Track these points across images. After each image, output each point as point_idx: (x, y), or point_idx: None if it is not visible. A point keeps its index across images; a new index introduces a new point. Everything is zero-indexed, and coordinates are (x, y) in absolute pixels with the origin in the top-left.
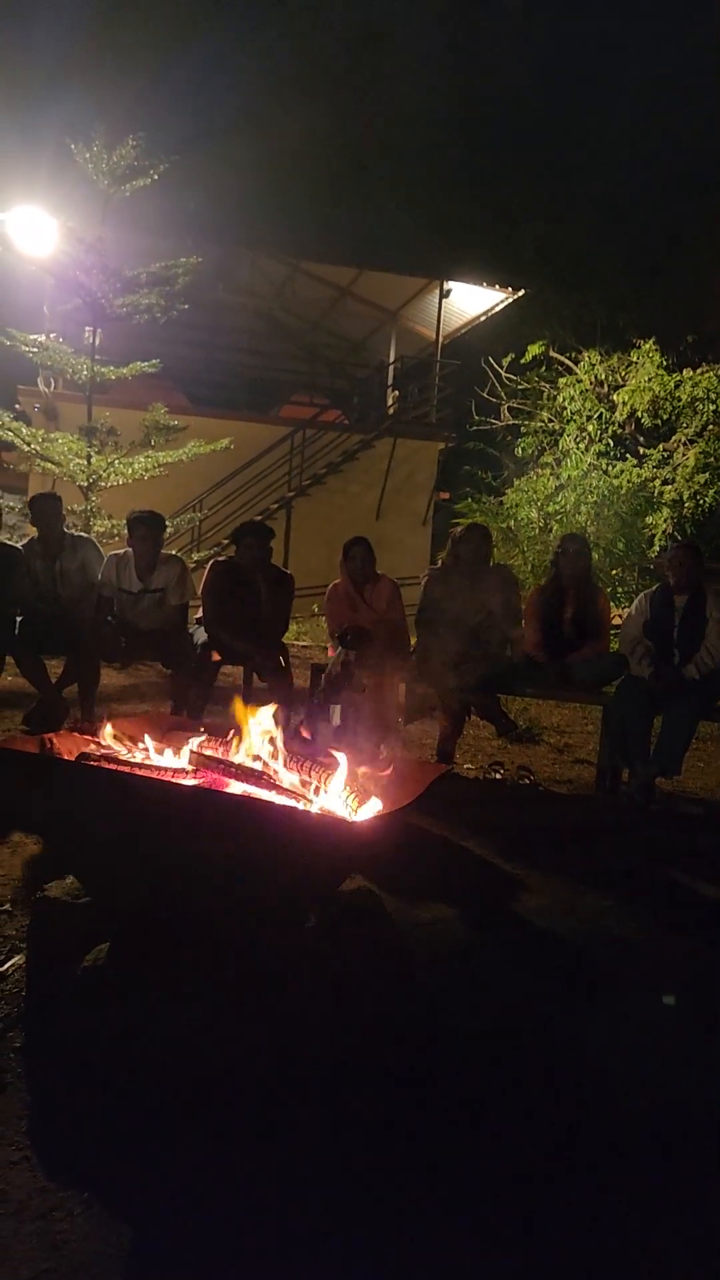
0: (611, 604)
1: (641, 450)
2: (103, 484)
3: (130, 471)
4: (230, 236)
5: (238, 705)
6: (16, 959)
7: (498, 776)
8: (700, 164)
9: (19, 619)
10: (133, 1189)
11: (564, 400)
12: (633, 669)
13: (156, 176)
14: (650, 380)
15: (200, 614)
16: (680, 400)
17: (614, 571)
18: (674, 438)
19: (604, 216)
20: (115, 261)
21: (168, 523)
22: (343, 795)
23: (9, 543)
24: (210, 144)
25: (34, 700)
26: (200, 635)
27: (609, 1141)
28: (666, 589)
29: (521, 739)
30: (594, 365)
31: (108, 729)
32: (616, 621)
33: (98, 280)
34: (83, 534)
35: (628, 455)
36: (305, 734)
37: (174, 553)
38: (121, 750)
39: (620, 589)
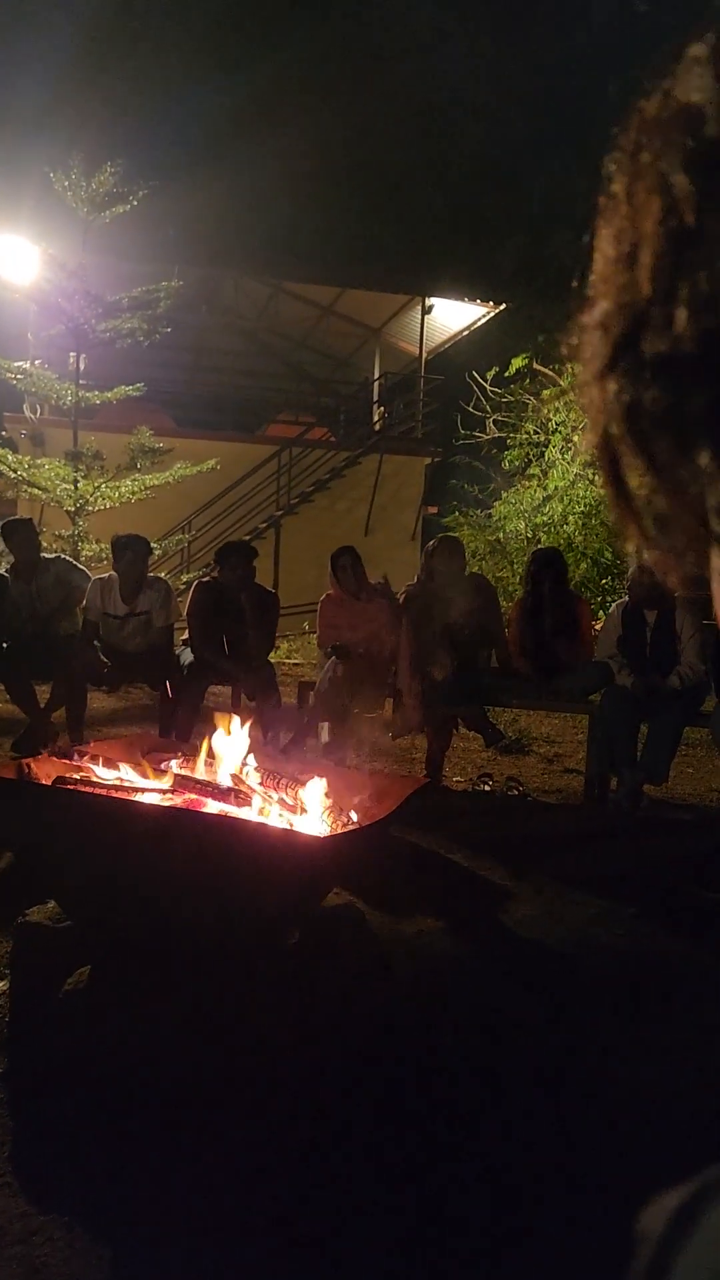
0: (602, 613)
1: None
2: (90, 508)
3: (117, 495)
4: (211, 259)
5: (220, 724)
6: (0, 984)
7: (486, 788)
8: None
9: (4, 645)
10: (114, 1213)
11: (549, 412)
12: (617, 678)
13: (135, 202)
14: None
15: (186, 635)
16: None
17: (603, 581)
18: None
19: (584, 228)
20: (97, 287)
21: (156, 545)
22: (320, 811)
23: None
24: (189, 169)
25: (23, 726)
26: (187, 656)
27: (603, 1158)
28: (633, 605)
29: (511, 750)
30: (577, 376)
31: (87, 753)
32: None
33: (80, 306)
34: (58, 555)
35: None
36: (288, 751)
37: (160, 575)
38: (99, 773)
39: (610, 598)
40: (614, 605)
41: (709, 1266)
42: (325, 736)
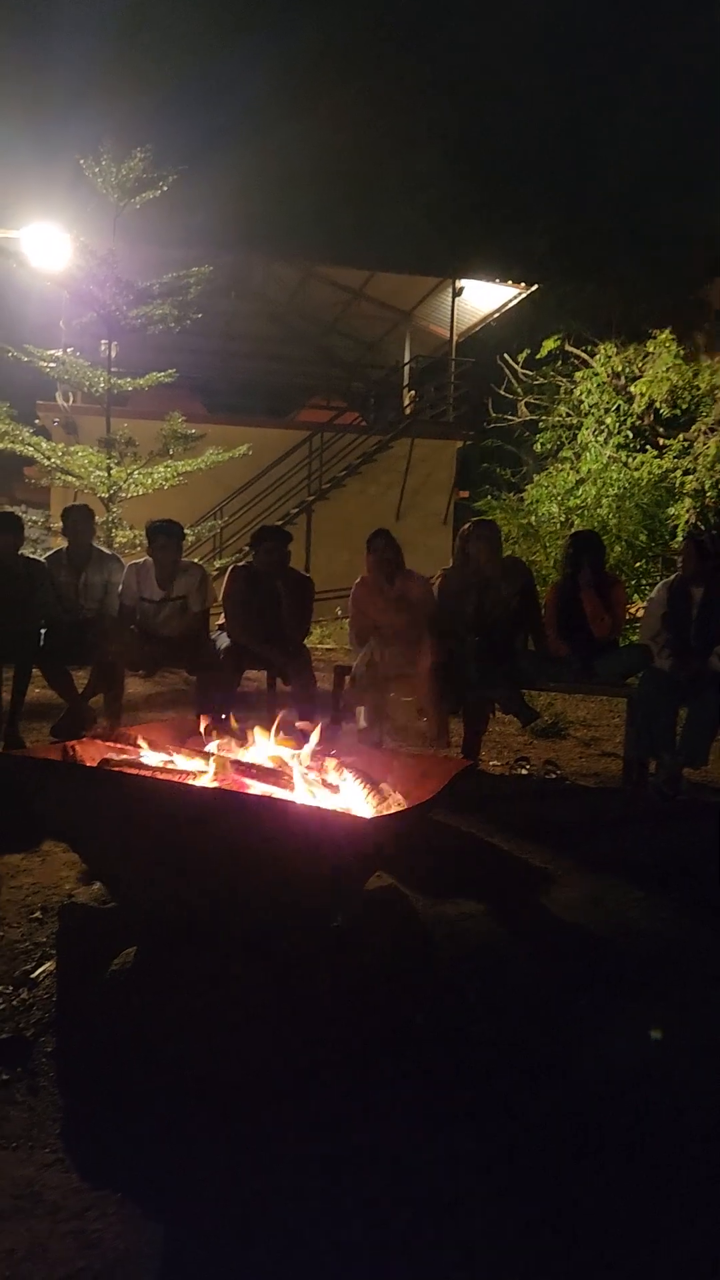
0: (637, 596)
1: (661, 441)
2: (123, 495)
3: (150, 482)
4: (242, 244)
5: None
6: (47, 965)
7: (524, 772)
8: (713, 151)
9: (43, 631)
10: (166, 1189)
11: (581, 394)
12: (656, 660)
13: (165, 188)
14: (668, 370)
15: (222, 620)
16: (699, 389)
17: (638, 564)
18: (694, 427)
19: (616, 208)
20: (128, 274)
21: (189, 531)
22: (364, 793)
23: (33, 557)
24: (219, 153)
25: (61, 711)
26: (223, 641)
27: (639, 1140)
28: (683, 580)
29: (547, 733)
30: (610, 357)
31: (129, 735)
32: (640, 613)
33: (111, 293)
34: (111, 551)
35: (647, 446)
36: (326, 735)
37: (194, 560)
38: (143, 755)
39: (644, 581)
40: (659, 583)
41: None
42: (362, 721)
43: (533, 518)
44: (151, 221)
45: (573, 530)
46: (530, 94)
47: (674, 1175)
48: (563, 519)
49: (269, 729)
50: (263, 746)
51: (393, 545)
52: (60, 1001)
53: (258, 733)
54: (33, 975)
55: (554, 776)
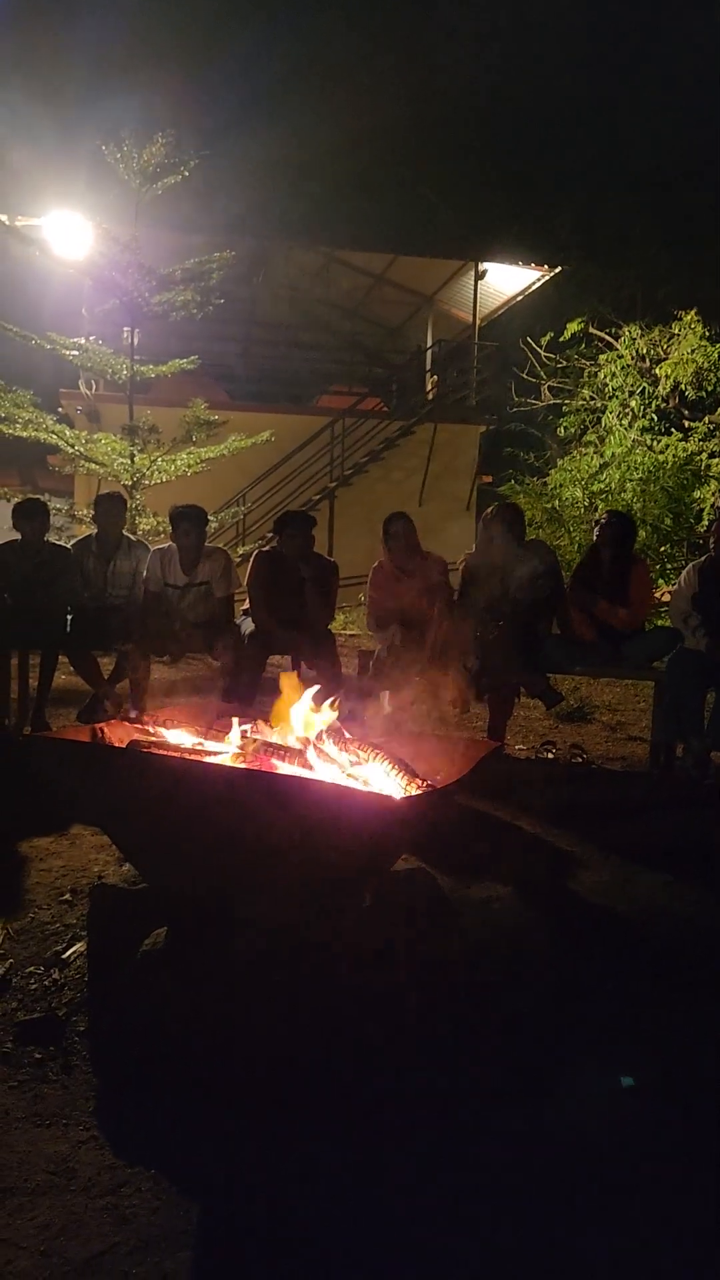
0: (661, 581)
1: (687, 423)
2: (146, 482)
3: (173, 469)
4: (263, 229)
5: (286, 684)
6: (78, 946)
7: (550, 755)
8: None
9: (69, 617)
10: (198, 1165)
11: (605, 377)
12: (688, 642)
13: (187, 173)
14: (694, 352)
15: (246, 605)
16: None
17: (663, 548)
18: None
19: (639, 189)
20: (150, 260)
21: (212, 518)
22: (392, 774)
23: (59, 543)
24: (240, 138)
25: (88, 697)
26: (248, 626)
27: (672, 1122)
28: (714, 561)
29: (573, 717)
30: (635, 340)
31: (157, 718)
32: (666, 597)
33: (133, 279)
34: (140, 539)
35: (672, 429)
36: (351, 719)
37: (218, 545)
38: (171, 737)
39: (670, 565)
40: (688, 566)
41: None
42: (387, 705)
43: (556, 502)
44: (173, 207)
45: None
46: (553, 73)
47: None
48: (587, 503)
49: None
50: (291, 725)
51: (409, 528)
52: (92, 982)
53: (286, 710)
54: (64, 956)
55: (580, 760)
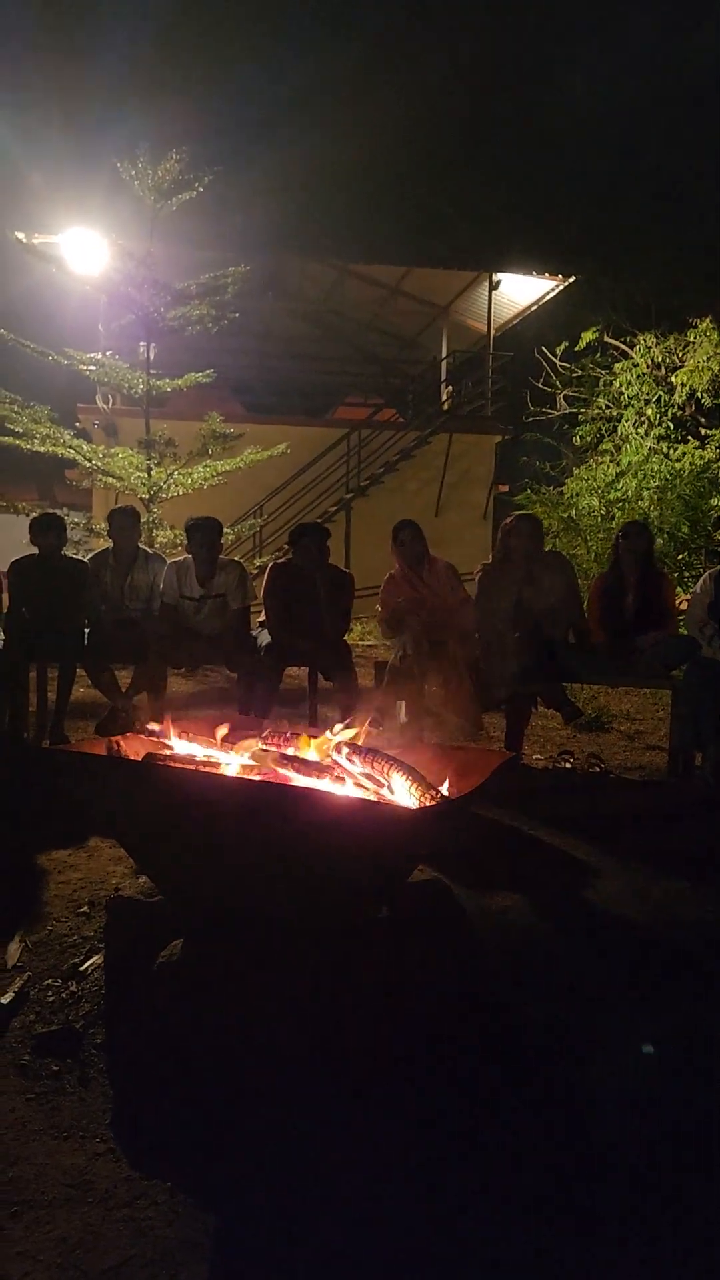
0: (679, 589)
1: (703, 431)
2: (163, 495)
3: (190, 482)
4: (278, 243)
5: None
6: (95, 958)
7: (567, 765)
8: None
9: (87, 630)
10: (215, 1178)
11: (620, 385)
12: (704, 650)
13: (201, 189)
14: (709, 359)
15: (263, 617)
16: None
17: (680, 556)
18: None
19: (652, 196)
20: (165, 275)
21: (229, 530)
22: (407, 785)
23: (76, 557)
24: (254, 153)
25: (106, 709)
26: (264, 638)
27: (696, 1134)
28: None
29: (590, 727)
30: (650, 348)
31: (173, 730)
32: (684, 606)
33: (149, 295)
34: (157, 552)
35: (689, 437)
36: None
37: (234, 558)
38: (187, 750)
39: (687, 573)
40: (705, 574)
41: None
42: (402, 715)
43: (573, 511)
44: (188, 223)
45: (618, 523)
46: (564, 83)
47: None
48: (603, 512)
49: (311, 726)
50: (306, 740)
51: (417, 534)
52: (109, 994)
53: (300, 728)
54: (81, 968)
55: (598, 770)
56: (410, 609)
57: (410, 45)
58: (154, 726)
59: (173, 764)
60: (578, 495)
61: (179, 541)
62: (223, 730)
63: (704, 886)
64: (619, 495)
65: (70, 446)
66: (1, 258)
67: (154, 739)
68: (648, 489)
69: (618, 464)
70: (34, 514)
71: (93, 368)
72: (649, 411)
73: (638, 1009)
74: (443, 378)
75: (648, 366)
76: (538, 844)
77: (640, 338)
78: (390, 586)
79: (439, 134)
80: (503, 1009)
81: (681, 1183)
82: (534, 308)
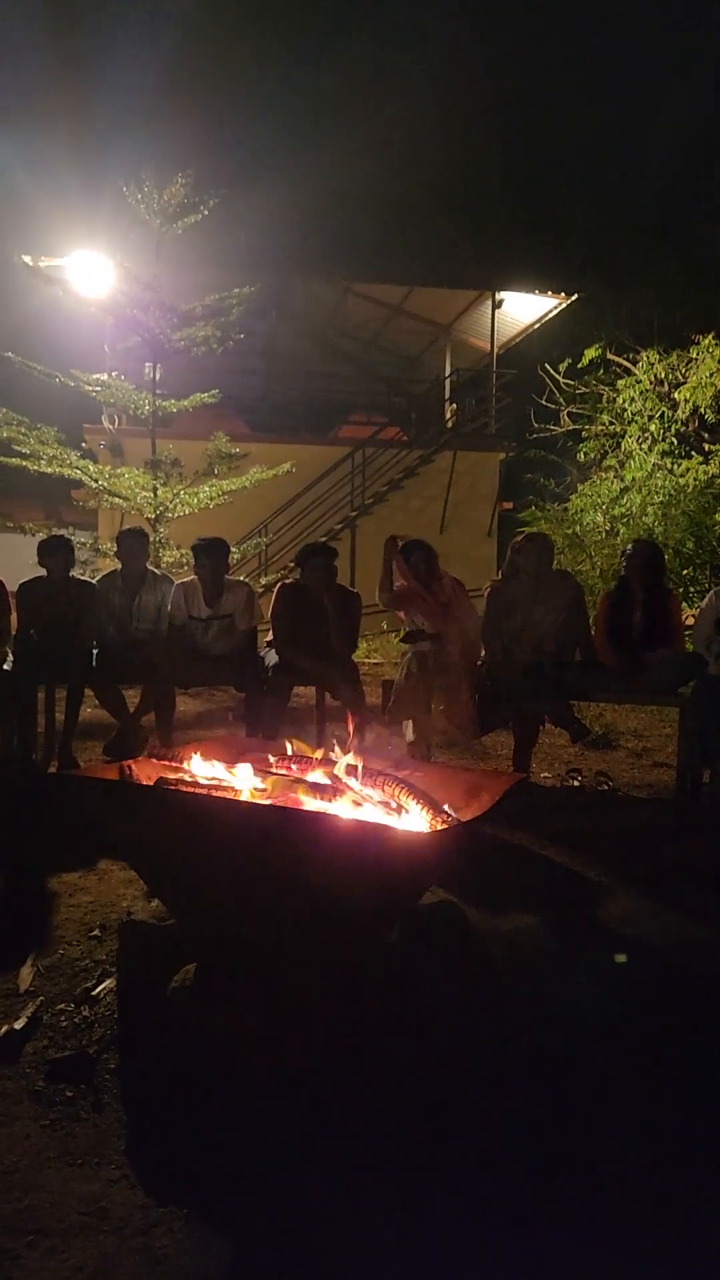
0: (684, 605)
1: (707, 446)
2: (169, 515)
3: (195, 501)
4: (282, 264)
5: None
6: (108, 982)
7: (575, 783)
8: None
9: (95, 652)
10: (230, 1206)
11: (624, 402)
12: (711, 667)
13: (206, 212)
14: (712, 375)
15: (270, 637)
16: None
17: (685, 571)
18: None
19: (653, 214)
20: (171, 297)
21: (235, 549)
22: (417, 808)
23: (83, 578)
24: (257, 175)
25: (114, 730)
26: (272, 658)
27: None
28: None
29: (598, 745)
30: (653, 365)
31: (183, 753)
32: (690, 622)
33: (154, 317)
34: (165, 573)
35: (693, 453)
36: (375, 750)
37: (240, 578)
38: (197, 773)
39: (692, 589)
40: (712, 590)
41: None
42: (410, 734)
43: (578, 527)
44: (193, 245)
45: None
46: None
47: None
48: (608, 528)
49: (319, 747)
50: (317, 763)
51: (429, 556)
52: (121, 1018)
53: (311, 749)
54: (94, 993)
55: (606, 788)
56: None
57: (413, 66)
58: (165, 749)
59: (184, 788)
60: (582, 511)
61: (185, 561)
62: (233, 753)
63: (713, 905)
64: (623, 511)
65: (76, 467)
66: (8, 281)
67: (164, 763)
68: (652, 505)
69: (622, 480)
70: (41, 535)
71: (99, 389)
72: (652, 427)
73: (658, 1036)
74: (446, 396)
75: (651, 383)
76: (548, 863)
77: (643, 354)
78: (404, 596)
79: (441, 154)
80: (517, 1033)
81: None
82: (537, 325)
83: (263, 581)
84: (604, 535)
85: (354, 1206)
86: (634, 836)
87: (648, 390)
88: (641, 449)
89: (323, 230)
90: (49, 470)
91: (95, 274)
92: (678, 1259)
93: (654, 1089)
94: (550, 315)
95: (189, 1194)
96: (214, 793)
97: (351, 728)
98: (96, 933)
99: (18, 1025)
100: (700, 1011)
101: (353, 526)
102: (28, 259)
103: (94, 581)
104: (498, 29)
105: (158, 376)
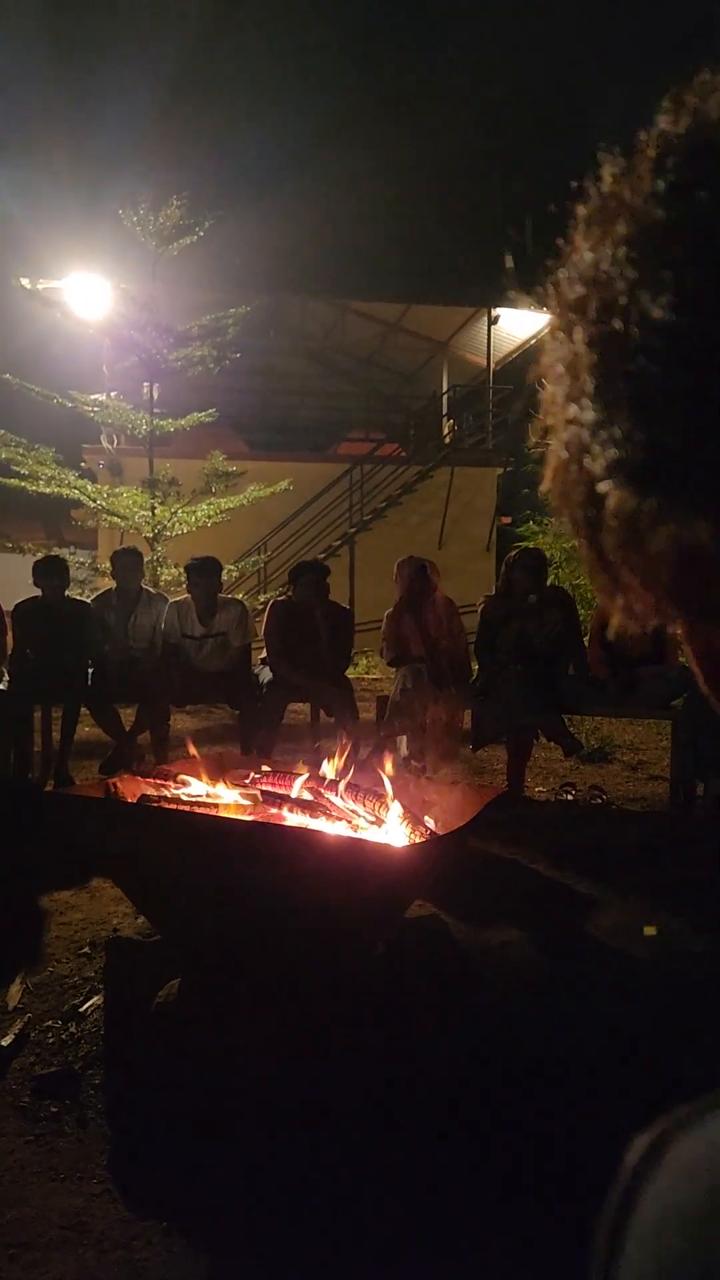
0: None
1: None
2: (167, 533)
3: (193, 520)
4: (278, 283)
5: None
6: (95, 999)
7: (569, 797)
8: None
9: (90, 670)
10: (210, 1218)
11: None
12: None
13: (202, 233)
14: None
15: (264, 654)
16: None
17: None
18: None
19: None
20: (167, 317)
21: (233, 567)
22: (399, 822)
23: (79, 598)
24: (253, 197)
25: (110, 749)
26: (266, 675)
27: None
28: None
29: (593, 758)
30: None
31: (170, 770)
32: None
33: (151, 337)
34: (160, 592)
35: None
36: (367, 765)
37: (236, 596)
38: (184, 790)
39: None
40: None
41: (670, 1194)
42: (404, 749)
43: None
44: (189, 266)
45: None
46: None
47: None
48: None
49: (308, 762)
50: (301, 779)
51: (421, 573)
52: (108, 1035)
53: (296, 765)
54: (81, 1010)
55: (600, 801)
56: (410, 641)
57: (411, 87)
58: (150, 766)
59: (167, 805)
60: None
61: (183, 579)
62: (220, 769)
63: (704, 919)
64: None
65: (75, 487)
66: (7, 304)
67: (150, 780)
68: None
69: None
70: (39, 556)
71: (96, 409)
72: None
73: (648, 1048)
74: (444, 412)
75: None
76: (539, 877)
77: None
78: (391, 621)
79: (438, 171)
80: (502, 1044)
81: None
82: (534, 341)
83: (261, 599)
84: None
85: (332, 1223)
86: (626, 850)
87: None
88: None
89: (319, 248)
90: (47, 490)
91: (93, 296)
92: None
93: (643, 1100)
94: (546, 330)
95: (169, 1208)
96: (197, 809)
97: (342, 743)
98: (86, 950)
99: (5, 1042)
100: (691, 1024)
101: (351, 543)
102: (26, 282)
103: (90, 601)
104: (497, 46)
105: (155, 396)
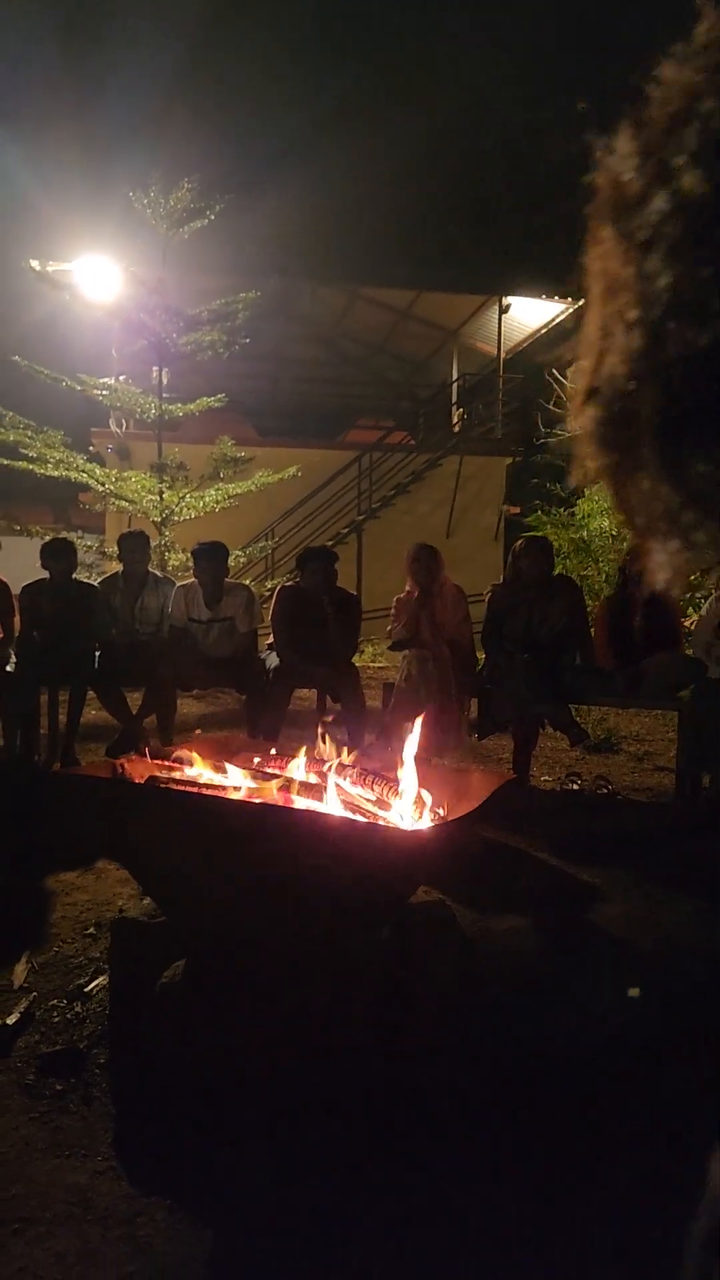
0: (691, 609)
1: None
2: (175, 518)
3: (201, 505)
4: (288, 269)
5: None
6: (100, 979)
7: (575, 787)
8: None
9: (97, 654)
10: (214, 1196)
11: None
12: (712, 672)
13: (213, 216)
14: None
15: (271, 639)
16: None
17: (690, 577)
18: None
19: None
20: (177, 301)
21: (241, 553)
22: (407, 807)
23: (86, 580)
24: (264, 181)
25: (116, 732)
26: (272, 660)
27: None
28: None
29: (599, 748)
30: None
31: (177, 752)
32: (691, 627)
33: (161, 321)
34: (167, 575)
35: None
36: (373, 751)
37: (243, 581)
38: (190, 772)
39: (697, 595)
40: (714, 594)
41: None
42: (409, 735)
43: (584, 532)
44: (199, 250)
45: (629, 544)
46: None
47: None
48: (614, 533)
49: (315, 745)
50: (308, 762)
51: (432, 559)
52: (112, 1014)
53: (303, 748)
54: (86, 989)
55: (605, 791)
56: (416, 627)
57: (422, 71)
58: (157, 748)
59: (174, 786)
60: (589, 516)
61: (191, 564)
62: (226, 752)
63: (709, 910)
64: None
65: (83, 471)
66: (16, 286)
67: (158, 761)
68: None
69: None
70: (46, 538)
71: (105, 393)
72: None
73: (653, 1038)
74: (453, 400)
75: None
76: (545, 866)
77: None
78: (400, 607)
79: (450, 158)
80: (505, 1031)
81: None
82: (544, 330)
83: (269, 585)
84: (610, 540)
85: (335, 1199)
86: (631, 840)
87: None
88: None
89: (330, 235)
90: (55, 474)
91: (102, 279)
92: (678, 1262)
93: (649, 1091)
94: (558, 319)
95: (173, 1185)
96: (204, 790)
97: (348, 729)
98: (92, 930)
99: (10, 1020)
100: (696, 1015)
101: (359, 531)
102: (35, 264)
103: (97, 584)
104: (507, 33)
105: (164, 380)
